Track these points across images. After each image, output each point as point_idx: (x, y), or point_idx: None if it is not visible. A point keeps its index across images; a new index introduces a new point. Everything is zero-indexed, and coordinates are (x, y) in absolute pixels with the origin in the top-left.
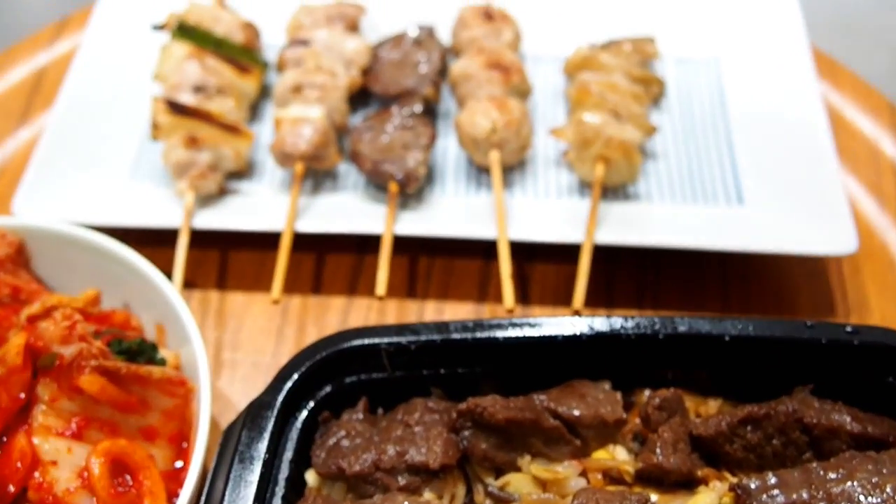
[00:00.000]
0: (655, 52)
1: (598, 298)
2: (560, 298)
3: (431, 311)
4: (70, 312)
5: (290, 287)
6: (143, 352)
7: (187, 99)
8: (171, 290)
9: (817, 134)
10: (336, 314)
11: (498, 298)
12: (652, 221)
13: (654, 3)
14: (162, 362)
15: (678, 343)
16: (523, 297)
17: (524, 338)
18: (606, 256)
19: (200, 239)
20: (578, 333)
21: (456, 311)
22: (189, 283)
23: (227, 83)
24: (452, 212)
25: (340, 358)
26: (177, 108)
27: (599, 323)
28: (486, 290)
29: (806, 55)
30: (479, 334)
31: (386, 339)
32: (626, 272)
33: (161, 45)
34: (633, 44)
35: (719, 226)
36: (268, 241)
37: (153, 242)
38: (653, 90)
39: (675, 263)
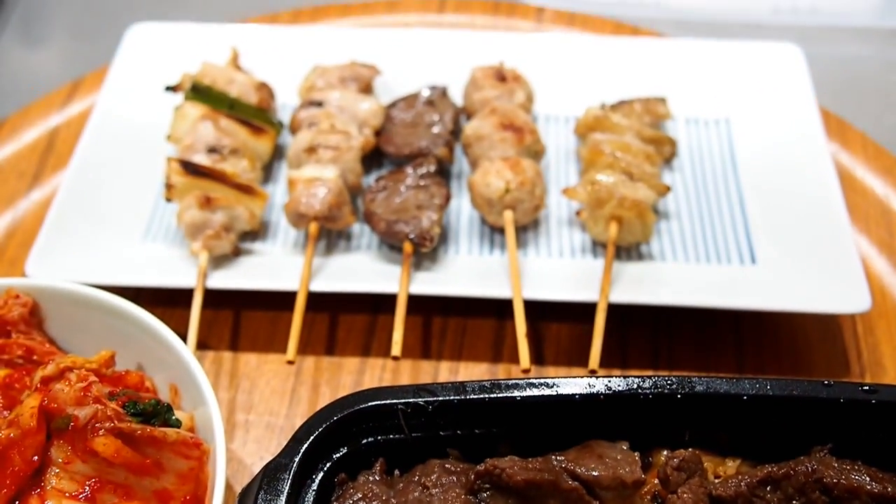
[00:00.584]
0: (667, 112)
1: (613, 358)
2: (575, 358)
3: (446, 371)
4: (84, 374)
5: (304, 347)
6: (158, 413)
7: (201, 159)
8: (185, 350)
9: (828, 193)
10: (350, 375)
11: (513, 358)
12: (666, 281)
13: (664, 64)
14: (177, 424)
15: (696, 403)
16: (538, 356)
17: (541, 398)
18: (621, 315)
19: (214, 299)
20: (595, 393)
21: (471, 372)
22: (202, 344)
23: (241, 144)
24: (466, 271)
25: (357, 419)
26: (191, 169)
27: (616, 383)
28: (501, 350)
29: (815, 115)
30: (496, 395)
31: (403, 400)
32: (640, 331)
33: (174, 106)
34: (643, 104)
35: (733, 285)
36: (282, 301)
37: (167, 303)
38: (665, 150)
39: (689, 322)
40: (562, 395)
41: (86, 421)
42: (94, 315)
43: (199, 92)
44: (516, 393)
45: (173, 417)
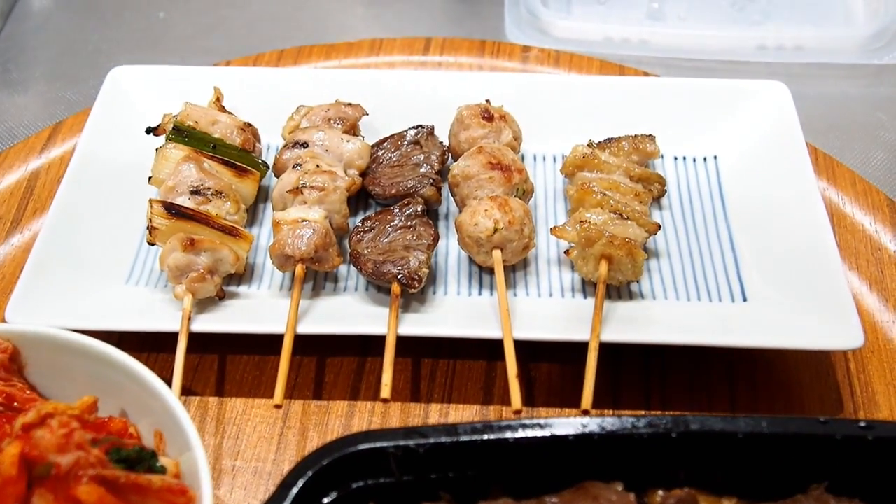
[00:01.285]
0: (655, 149)
1: (606, 397)
2: (567, 398)
3: (436, 413)
4: (66, 420)
5: (292, 391)
6: (143, 460)
7: (184, 201)
8: (170, 395)
9: (818, 230)
10: (339, 418)
11: (504, 400)
12: (657, 319)
13: (652, 103)
14: (161, 470)
15: (690, 442)
16: (529, 397)
17: (534, 439)
18: (612, 355)
19: (199, 343)
20: (589, 433)
21: (461, 414)
22: (187, 389)
23: (225, 185)
24: (455, 312)
25: (346, 463)
26: (174, 211)
27: (610, 422)
28: (491, 392)
29: (803, 152)
30: (488, 436)
31: (393, 443)
32: (632, 370)
33: (157, 148)
34: (631, 142)
35: (724, 323)
36: (268, 344)
37: (150, 347)
38: (654, 188)
39: (681, 361)
40: (555, 436)
41: (68, 468)
42: (75, 361)
43: (182, 133)
44: (508, 434)
45: (158, 464)
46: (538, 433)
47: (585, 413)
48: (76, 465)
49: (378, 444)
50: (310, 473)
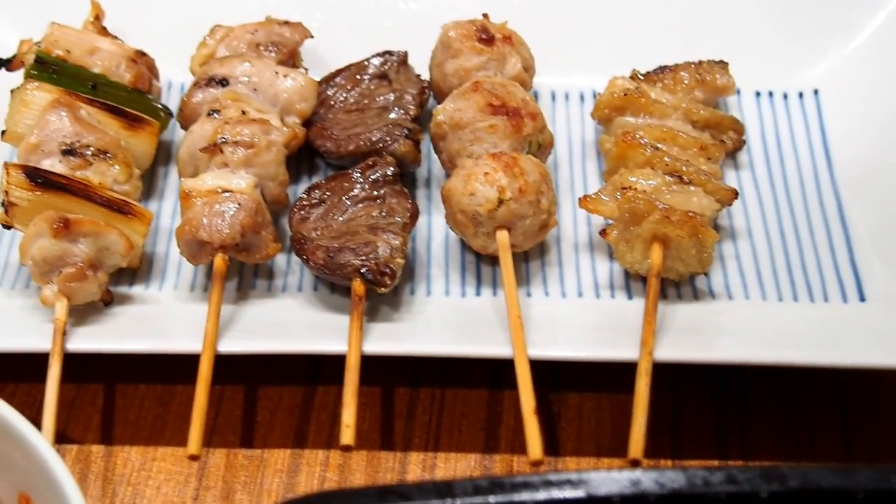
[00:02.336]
0: (729, 82)
1: (661, 442)
2: (605, 444)
3: (417, 466)
4: None
5: (211, 436)
6: None
7: (54, 166)
8: (40, 443)
9: None
10: (279, 474)
11: (515, 446)
12: (734, 328)
13: (721, 14)
14: None
15: None
16: (552, 442)
17: (564, 502)
18: (670, 380)
19: (77, 368)
20: (643, 493)
21: (454, 466)
22: (61, 434)
23: (110, 142)
24: (443, 320)
25: None
26: (39, 180)
27: (671, 478)
28: (497, 434)
29: None
30: (498, 499)
31: None
32: (697, 403)
33: (11, 89)
34: (694, 71)
35: (832, 333)
36: (176, 368)
37: (10, 375)
38: (728, 138)
39: (769, 388)
40: (594, 496)
41: None
42: None
43: (47, 67)
44: (526, 496)
45: None
46: (569, 494)
47: (635, 464)
48: None
49: None
50: None
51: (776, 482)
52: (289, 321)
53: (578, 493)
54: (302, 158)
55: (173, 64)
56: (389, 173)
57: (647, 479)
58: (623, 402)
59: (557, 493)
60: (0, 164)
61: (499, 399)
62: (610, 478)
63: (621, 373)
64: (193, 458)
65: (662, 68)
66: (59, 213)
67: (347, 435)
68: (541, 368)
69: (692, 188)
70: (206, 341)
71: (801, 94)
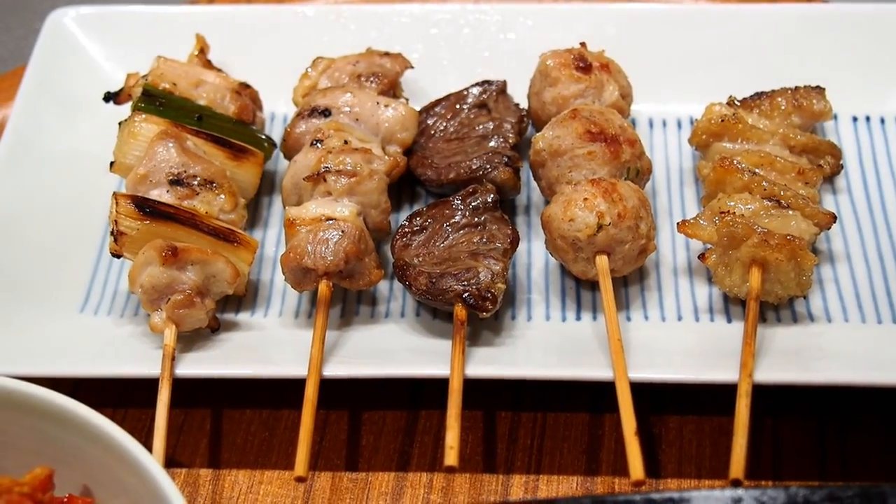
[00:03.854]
0: (826, 108)
1: (762, 463)
2: (706, 465)
3: (520, 487)
4: (16, 500)
5: (316, 459)
6: None
7: (162, 196)
8: (153, 466)
9: None
10: (383, 497)
11: (616, 468)
12: (834, 351)
13: (819, 39)
14: None
15: None
16: (653, 463)
17: None
18: (770, 402)
19: (186, 393)
20: None
21: (556, 489)
22: (170, 458)
23: (216, 172)
24: (544, 344)
25: None
26: (147, 210)
27: (773, 497)
28: (598, 456)
29: None
30: None
31: None
32: (797, 425)
33: (119, 122)
34: (791, 97)
35: None
36: (281, 393)
37: (118, 400)
38: (826, 162)
39: (871, 409)
40: None
41: None
42: (20, 418)
43: (154, 100)
44: None
45: None
46: None
47: (737, 484)
48: None
49: None
50: None
51: (877, 500)
52: (392, 346)
53: None
54: (403, 187)
55: (277, 95)
56: (490, 200)
57: (748, 497)
58: (724, 425)
59: None
60: (109, 194)
61: (599, 422)
62: (712, 496)
63: (721, 395)
64: (300, 479)
65: (759, 94)
66: (168, 242)
67: (451, 457)
68: (641, 391)
69: (790, 212)
70: (311, 366)
71: None
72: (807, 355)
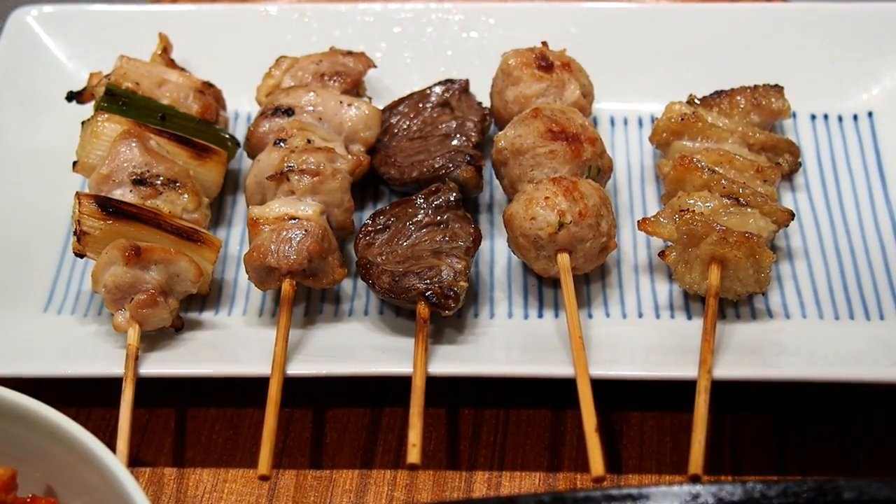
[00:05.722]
0: (784, 106)
1: (721, 458)
2: (666, 460)
3: (482, 484)
4: None
5: (280, 457)
6: None
7: (125, 195)
8: (116, 466)
9: None
10: (347, 494)
11: (577, 464)
12: (792, 346)
13: (777, 38)
14: None
15: None
16: (614, 459)
17: None
18: (729, 398)
19: (149, 392)
20: None
21: (519, 485)
22: (134, 457)
23: (179, 171)
24: (506, 341)
25: None
26: (111, 209)
27: (730, 492)
28: (560, 452)
29: None
30: None
31: None
32: (758, 420)
33: (82, 121)
34: (750, 95)
35: (888, 349)
36: (246, 392)
37: (82, 400)
38: (784, 160)
39: (828, 406)
40: None
41: None
42: None
43: (117, 99)
44: None
45: None
46: None
47: (695, 480)
48: None
49: None
50: None
51: (832, 494)
52: (355, 344)
53: None
54: (367, 185)
55: (240, 94)
56: (452, 199)
57: (706, 492)
58: (684, 421)
59: None
60: (72, 194)
61: (562, 419)
62: (670, 492)
63: (682, 391)
64: (264, 478)
65: (719, 93)
66: (131, 242)
67: (414, 454)
68: (602, 388)
69: (749, 210)
70: (274, 365)
71: (855, 117)
72: (765, 351)
